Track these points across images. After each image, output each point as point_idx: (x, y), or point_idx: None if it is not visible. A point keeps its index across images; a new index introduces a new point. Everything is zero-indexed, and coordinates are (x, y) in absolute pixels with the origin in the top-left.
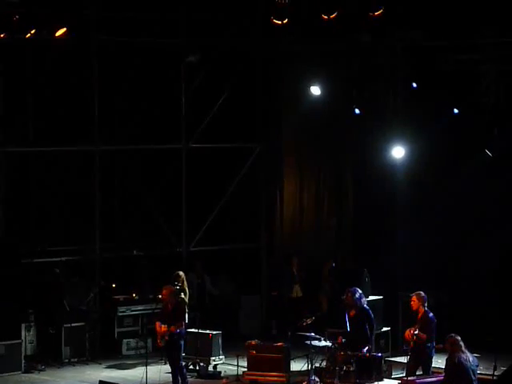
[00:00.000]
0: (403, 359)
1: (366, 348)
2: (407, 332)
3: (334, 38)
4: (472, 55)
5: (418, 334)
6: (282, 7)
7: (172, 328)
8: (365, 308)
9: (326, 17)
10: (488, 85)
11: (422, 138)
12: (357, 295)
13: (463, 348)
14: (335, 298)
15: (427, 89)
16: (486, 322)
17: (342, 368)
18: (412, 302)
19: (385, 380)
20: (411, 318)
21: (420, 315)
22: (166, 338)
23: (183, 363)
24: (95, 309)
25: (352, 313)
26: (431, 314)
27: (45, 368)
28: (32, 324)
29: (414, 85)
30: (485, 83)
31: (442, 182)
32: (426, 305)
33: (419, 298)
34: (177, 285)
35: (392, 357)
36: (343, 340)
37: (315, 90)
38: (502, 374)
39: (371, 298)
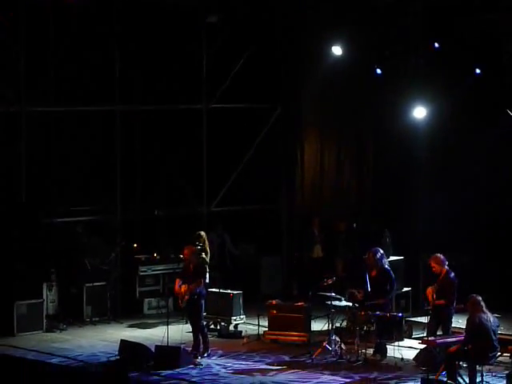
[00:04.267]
0: (424, 319)
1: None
2: (428, 290)
3: None
4: (494, 15)
5: (435, 300)
6: None
7: (191, 286)
8: (386, 268)
9: None
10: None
11: (444, 99)
12: (378, 255)
13: (484, 308)
14: (356, 258)
15: (449, 49)
16: (508, 282)
17: (362, 328)
18: (433, 269)
19: (405, 340)
20: (432, 278)
21: (441, 276)
22: (187, 297)
23: (204, 323)
24: (117, 268)
25: (373, 273)
26: (452, 274)
27: (66, 327)
28: (54, 283)
29: (437, 45)
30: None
31: (464, 143)
32: (446, 264)
33: (437, 260)
34: (198, 244)
35: (413, 317)
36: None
37: (336, 51)
38: None
39: (392, 258)
